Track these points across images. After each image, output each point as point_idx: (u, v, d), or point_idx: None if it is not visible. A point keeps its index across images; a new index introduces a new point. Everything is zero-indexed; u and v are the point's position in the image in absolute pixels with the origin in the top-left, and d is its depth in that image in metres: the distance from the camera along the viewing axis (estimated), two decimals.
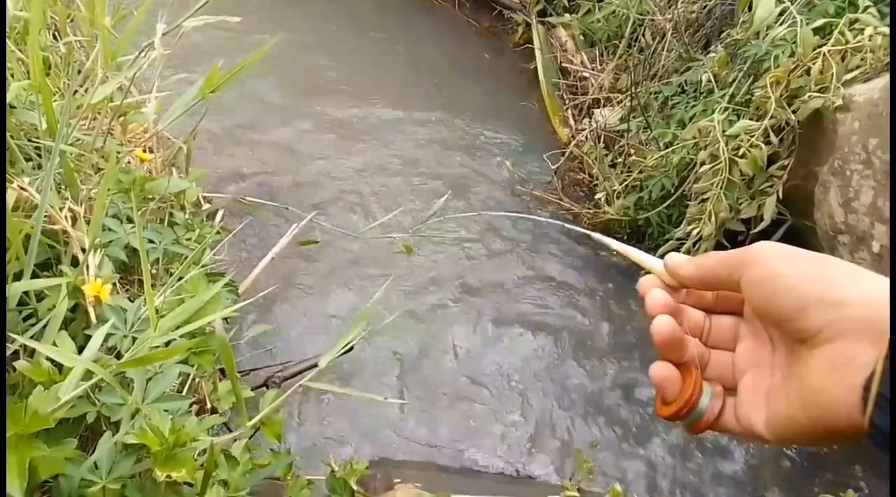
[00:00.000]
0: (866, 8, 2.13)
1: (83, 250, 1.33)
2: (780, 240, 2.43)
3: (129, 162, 1.86)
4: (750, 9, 2.40)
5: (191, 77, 1.99)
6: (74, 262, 1.35)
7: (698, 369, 0.55)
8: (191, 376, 1.52)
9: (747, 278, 0.51)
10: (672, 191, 2.59)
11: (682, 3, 3.08)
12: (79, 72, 1.80)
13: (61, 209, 1.37)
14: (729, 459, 2.12)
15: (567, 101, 3.69)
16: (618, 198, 2.85)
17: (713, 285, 0.56)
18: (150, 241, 1.63)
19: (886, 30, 2.07)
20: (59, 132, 1.22)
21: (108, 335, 1.17)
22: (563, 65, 3.82)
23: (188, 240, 1.71)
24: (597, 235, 0.69)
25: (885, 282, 0.45)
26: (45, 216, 1.27)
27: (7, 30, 1.67)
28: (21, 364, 1.06)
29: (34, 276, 1.23)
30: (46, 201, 1.21)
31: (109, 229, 1.50)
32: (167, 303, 1.31)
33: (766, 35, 2.30)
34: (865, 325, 0.43)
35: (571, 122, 3.56)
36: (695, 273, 0.55)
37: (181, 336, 1.15)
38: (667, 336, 0.54)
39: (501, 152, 3.33)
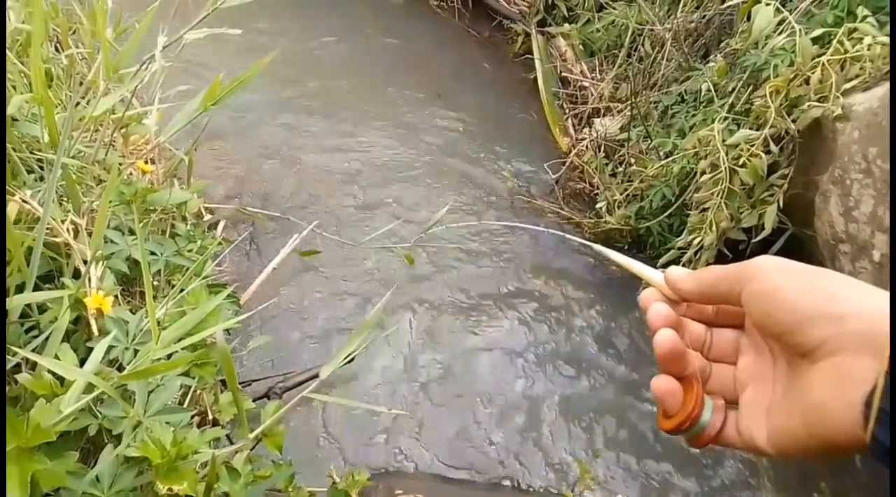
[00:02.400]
0: (865, 17, 2.14)
1: (85, 262, 1.33)
2: (781, 249, 2.44)
3: (130, 174, 1.87)
4: (749, 18, 2.41)
5: (192, 89, 2.00)
6: (76, 275, 1.35)
7: (700, 383, 0.55)
8: (192, 388, 1.52)
9: (748, 292, 0.51)
10: (673, 200, 2.60)
11: (682, 12, 3.10)
12: (81, 84, 1.81)
13: (63, 221, 1.38)
14: (729, 471, 2.11)
15: (567, 111, 3.69)
16: (618, 207, 2.85)
17: (714, 299, 0.56)
18: (152, 253, 1.63)
19: (885, 39, 2.08)
20: (61, 144, 1.22)
21: (110, 347, 1.17)
22: (563, 74, 3.84)
23: (190, 251, 1.72)
24: (598, 247, 0.69)
25: (884, 296, 0.45)
26: (47, 228, 1.28)
27: (9, 42, 1.68)
28: (23, 377, 1.06)
29: (36, 288, 1.23)
30: (48, 214, 1.21)
31: (111, 241, 1.50)
32: (169, 315, 1.32)
33: (765, 45, 2.31)
34: (866, 339, 0.43)
35: (571, 131, 3.57)
36: (695, 287, 0.56)
37: (183, 348, 1.15)
38: (669, 350, 0.54)
39: (501, 162, 3.34)
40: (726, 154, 2.28)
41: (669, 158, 2.63)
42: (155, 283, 1.62)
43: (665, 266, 0.59)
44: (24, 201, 1.30)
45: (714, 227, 2.32)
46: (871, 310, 0.44)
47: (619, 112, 3.34)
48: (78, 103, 1.66)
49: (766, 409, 0.51)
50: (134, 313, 1.29)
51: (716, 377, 0.57)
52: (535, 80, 3.89)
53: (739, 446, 0.53)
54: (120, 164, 1.70)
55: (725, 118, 2.38)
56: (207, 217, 2.38)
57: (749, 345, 0.56)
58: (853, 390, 0.43)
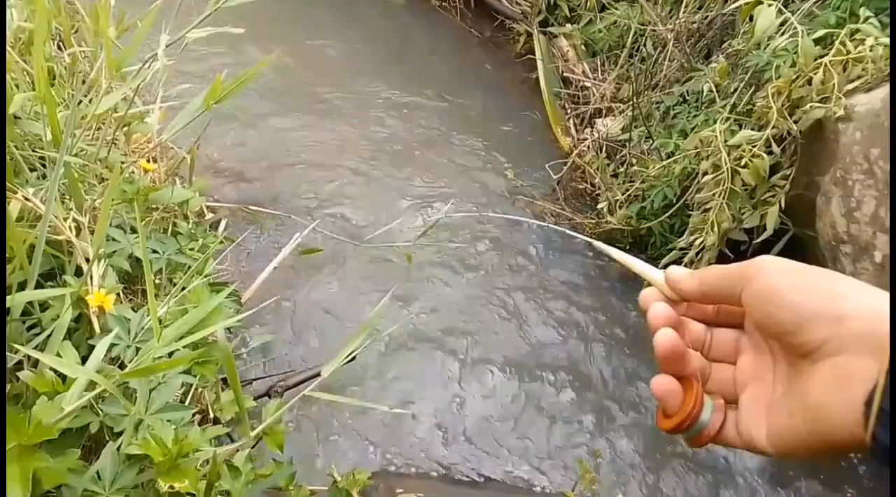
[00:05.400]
0: (867, 18, 2.14)
1: (87, 260, 1.33)
2: (783, 250, 2.44)
3: (132, 172, 1.87)
4: (751, 19, 2.41)
5: (194, 87, 2.00)
6: (78, 273, 1.36)
7: (700, 382, 0.55)
8: (193, 386, 1.52)
9: (748, 292, 0.51)
10: (674, 201, 2.59)
11: (684, 13, 3.10)
12: (83, 82, 1.82)
13: (65, 219, 1.38)
14: (732, 471, 2.11)
15: (569, 111, 3.69)
16: (620, 207, 2.85)
17: (714, 299, 0.56)
18: (154, 251, 1.64)
19: (887, 40, 2.08)
20: (64, 143, 1.23)
21: (112, 345, 1.17)
22: (565, 74, 3.83)
23: (191, 249, 1.72)
24: (599, 244, 0.69)
25: (885, 296, 0.45)
26: (50, 226, 1.28)
27: (12, 41, 1.69)
28: (25, 374, 1.06)
29: (38, 286, 1.23)
30: (51, 211, 1.21)
31: (113, 239, 1.51)
32: (170, 313, 1.32)
33: (768, 45, 2.31)
34: (867, 339, 0.43)
35: (573, 131, 3.57)
36: (696, 287, 0.56)
37: (184, 346, 1.15)
38: (669, 349, 0.54)
39: (503, 161, 3.34)
40: (728, 155, 2.28)
41: (671, 159, 2.63)
42: (157, 281, 1.62)
43: (666, 267, 0.59)
44: (26, 199, 1.31)
45: (716, 228, 2.32)
46: (872, 310, 0.44)
47: (620, 112, 3.34)
48: (80, 101, 1.66)
49: (765, 408, 0.51)
50: (136, 311, 1.29)
51: (715, 377, 0.57)
52: (537, 80, 3.88)
53: (739, 446, 0.53)
54: (122, 163, 1.71)
55: (727, 119, 2.38)
56: (209, 216, 2.39)
57: (749, 345, 0.56)
58: (853, 390, 0.43)
